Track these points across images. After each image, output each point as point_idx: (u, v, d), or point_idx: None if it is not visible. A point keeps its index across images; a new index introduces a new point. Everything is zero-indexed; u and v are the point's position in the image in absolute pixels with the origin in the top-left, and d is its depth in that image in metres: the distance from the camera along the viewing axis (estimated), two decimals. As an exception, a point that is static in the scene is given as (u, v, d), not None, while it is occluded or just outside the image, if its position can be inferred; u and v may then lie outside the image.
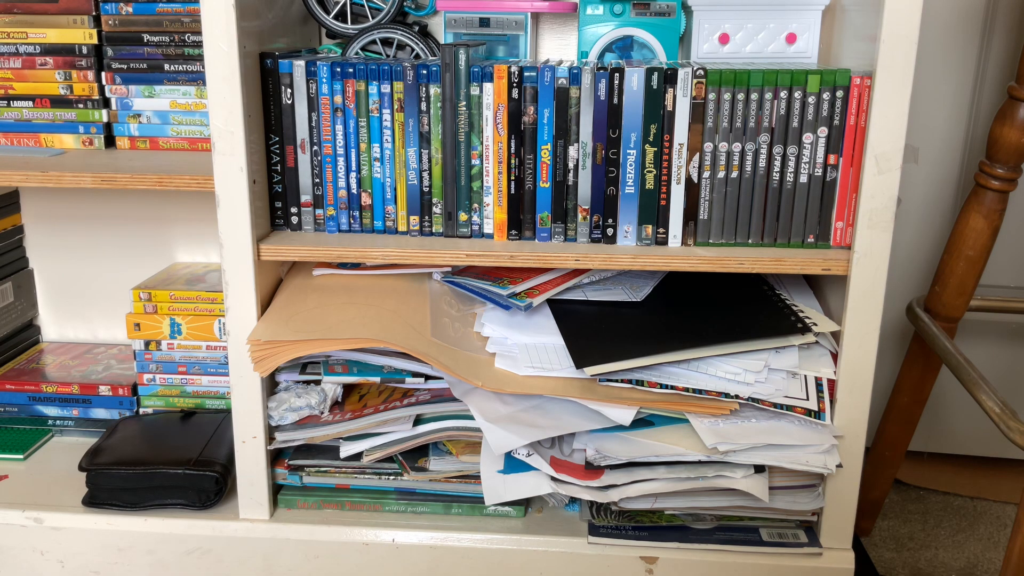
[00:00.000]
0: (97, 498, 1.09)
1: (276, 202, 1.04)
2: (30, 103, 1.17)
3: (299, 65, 0.99)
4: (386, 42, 1.18)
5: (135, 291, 1.22)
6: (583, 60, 1.12)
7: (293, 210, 1.04)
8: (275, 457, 1.09)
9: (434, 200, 1.02)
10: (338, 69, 0.99)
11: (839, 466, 0.97)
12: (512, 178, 1.00)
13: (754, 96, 0.95)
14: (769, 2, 1.08)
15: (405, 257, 1.00)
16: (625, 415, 0.97)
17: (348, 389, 1.11)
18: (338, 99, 1.00)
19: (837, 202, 0.97)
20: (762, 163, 0.97)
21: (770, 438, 0.96)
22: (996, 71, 1.31)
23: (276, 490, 1.09)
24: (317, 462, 1.08)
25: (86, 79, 1.16)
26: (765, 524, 1.05)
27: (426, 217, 1.03)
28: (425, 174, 1.02)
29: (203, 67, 1.03)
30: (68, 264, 1.39)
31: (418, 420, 1.04)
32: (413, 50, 1.17)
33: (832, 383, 0.99)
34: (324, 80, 0.99)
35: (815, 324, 0.99)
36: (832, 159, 0.96)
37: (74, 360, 1.33)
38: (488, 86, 0.98)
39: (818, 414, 0.97)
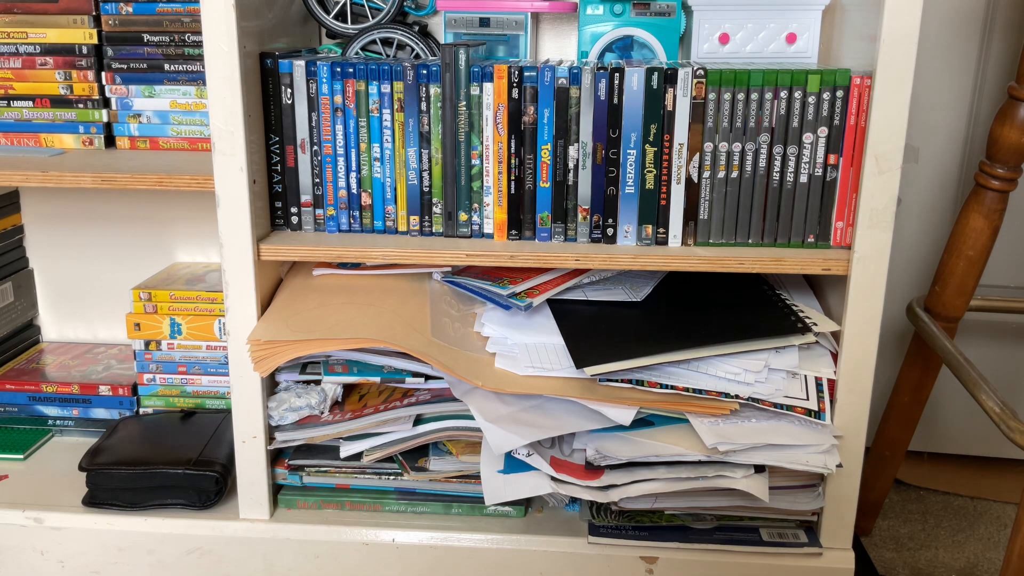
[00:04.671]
0: (97, 498, 1.09)
1: (276, 202, 1.04)
2: (30, 103, 1.17)
3: (299, 65, 0.99)
4: (386, 42, 1.18)
5: (135, 291, 1.22)
6: (583, 60, 1.11)
7: (293, 210, 1.04)
8: (275, 457, 1.09)
9: (434, 200, 1.02)
10: (338, 69, 0.99)
11: (839, 466, 0.97)
12: (512, 178, 1.00)
13: (754, 96, 0.95)
14: (769, 2, 1.08)
15: (405, 257, 1.00)
16: (625, 415, 0.97)
17: (348, 389, 1.11)
18: (338, 99, 1.00)
19: (837, 202, 0.97)
20: (762, 163, 0.97)
21: (770, 438, 0.96)
22: (996, 71, 1.31)
23: (276, 490, 1.09)
24: (317, 462, 1.08)
25: (86, 79, 1.16)
26: (765, 524, 1.05)
27: (426, 217, 1.03)
28: (425, 174, 1.02)
29: (203, 67, 1.03)
30: (68, 264, 1.39)
31: (418, 420, 1.04)
32: (413, 50, 1.17)
33: (832, 383, 0.99)
34: (324, 80, 0.99)
35: (815, 324, 0.99)
36: (832, 159, 0.96)
37: (74, 360, 1.33)
38: (488, 86, 0.98)
39: (818, 414, 0.97)
